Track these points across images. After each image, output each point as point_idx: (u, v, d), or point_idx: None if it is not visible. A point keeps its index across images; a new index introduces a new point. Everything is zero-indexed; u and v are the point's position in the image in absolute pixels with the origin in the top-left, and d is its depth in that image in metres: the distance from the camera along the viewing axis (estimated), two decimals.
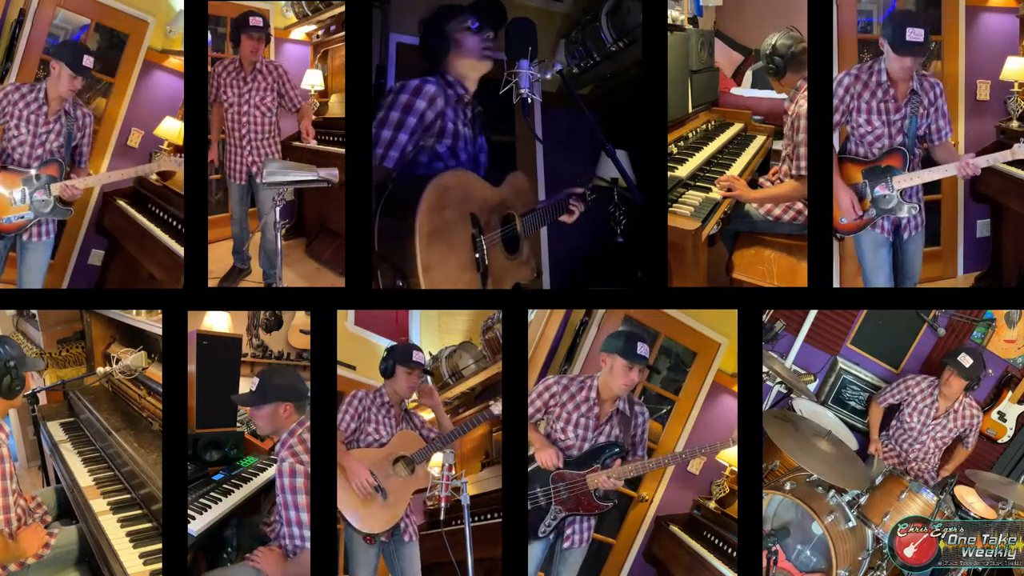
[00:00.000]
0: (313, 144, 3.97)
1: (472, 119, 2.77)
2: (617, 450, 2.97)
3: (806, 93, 3.28)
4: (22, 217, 3.22)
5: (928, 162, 3.18)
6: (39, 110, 3.24)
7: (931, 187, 3.41)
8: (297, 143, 4.39)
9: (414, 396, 3.55)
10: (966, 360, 3.47)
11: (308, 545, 2.72)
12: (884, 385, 3.77)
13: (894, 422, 3.70)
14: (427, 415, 3.41)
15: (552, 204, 2.94)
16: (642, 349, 2.87)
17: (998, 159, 2.96)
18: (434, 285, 2.49)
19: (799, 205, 3.35)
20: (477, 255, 2.62)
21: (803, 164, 3.24)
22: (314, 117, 4.18)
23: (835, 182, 3.05)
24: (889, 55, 2.93)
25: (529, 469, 2.99)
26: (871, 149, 3.07)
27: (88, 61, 3.20)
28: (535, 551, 3.00)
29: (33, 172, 3.22)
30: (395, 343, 3.40)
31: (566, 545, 3.02)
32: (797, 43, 3.33)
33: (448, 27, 2.68)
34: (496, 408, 3.11)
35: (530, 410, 3.02)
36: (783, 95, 3.49)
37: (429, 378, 3.32)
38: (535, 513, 2.97)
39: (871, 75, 3.01)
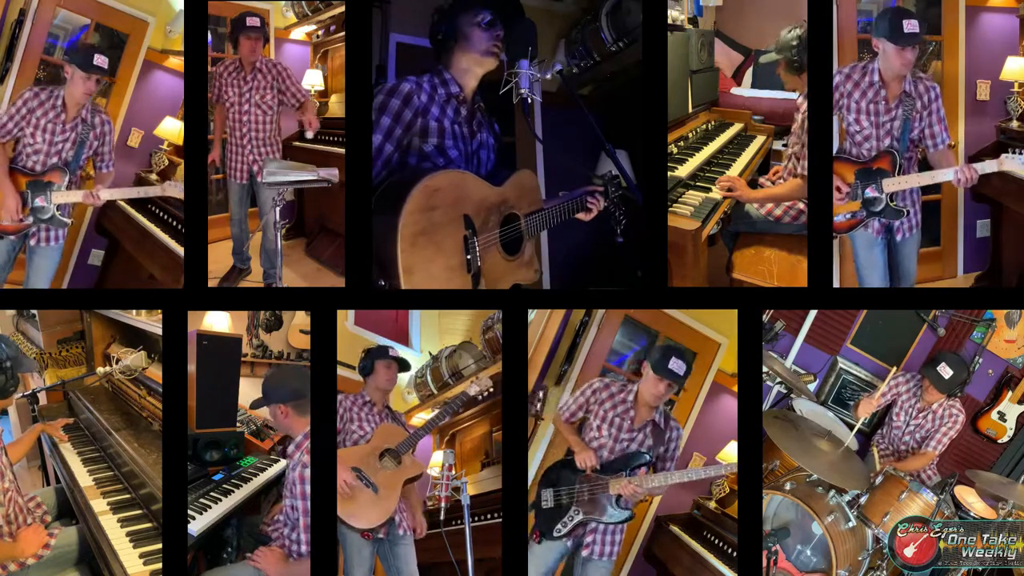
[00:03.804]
0: (314, 130, 3.93)
1: (469, 116, 2.71)
2: (646, 459, 3.01)
3: None
4: (21, 221, 3.23)
5: (924, 167, 3.16)
6: (56, 118, 3.22)
7: (931, 187, 3.41)
8: (297, 143, 4.40)
9: (414, 396, 3.54)
10: (945, 371, 3.40)
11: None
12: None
13: (886, 420, 3.70)
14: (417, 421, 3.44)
15: (566, 202, 2.86)
16: (675, 365, 2.92)
17: (986, 168, 2.91)
18: (416, 287, 2.47)
19: (800, 205, 3.35)
20: (468, 256, 2.59)
21: (805, 163, 3.23)
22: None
23: None
24: (888, 51, 2.91)
25: (559, 473, 3.03)
26: (861, 149, 3.07)
27: (100, 60, 3.18)
28: (548, 555, 3.02)
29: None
30: (369, 348, 3.42)
31: (585, 554, 3.03)
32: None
33: (460, 20, 2.63)
34: (472, 389, 3.16)
35: (573, 408, 3.11)
36: (794, 93, 3.44)
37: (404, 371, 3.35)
38: (553, 512, 3.01)
39: (863, 75, 3.01)
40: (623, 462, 3.00)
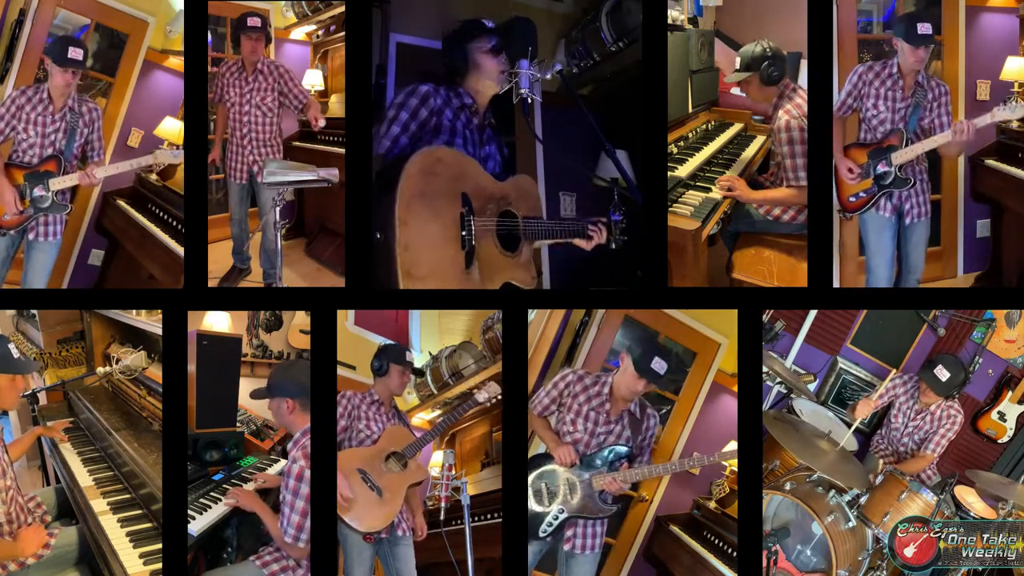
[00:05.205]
0: (322, 123, 3.94)
1: (479, 126, 2.81)
2: (625, 452, 2.98)
3: (787, 106, 3.28)
4: (21, 213, 3.23)
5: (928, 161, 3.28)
6: (45, 110, 3.25)
7: (933, 188, 3.43)
8: (297, 143, 4.40)
9: (414, 396, 3.53)
10: (942, 374, 3.38)
11: (301, 546, 2.71)
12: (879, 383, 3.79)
13: (885, 422, 3.70)
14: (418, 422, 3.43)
15: (569, 225, 2.92)
16: (657, 365, 2.85)
17: (980, 122, 3.11)
18: (411, 241, 2.51)
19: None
20: (464, 233, 2.62)
21: (791, 175, 3.26)
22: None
23: None
24: (904, 49, 3.18)
25: (541, 470, 2.99)
26: (876, 133, 3.24)
27: (75, 52, 3.18)
28: (528, 553, 2.98)
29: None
30: (387, 343, 3.42)
31: (567, 548, 3.00)
32: (781, 51, 3.35)
33: (468, 47, 2.74)
34: (480, 396, 3.15)
35: (546, 401, 3.05)
36: (763, 104, 3.46)
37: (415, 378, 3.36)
38: (536, 513, 2.97)
39: (884, 67, 3.27)
40: (603, 457, 2.96)
